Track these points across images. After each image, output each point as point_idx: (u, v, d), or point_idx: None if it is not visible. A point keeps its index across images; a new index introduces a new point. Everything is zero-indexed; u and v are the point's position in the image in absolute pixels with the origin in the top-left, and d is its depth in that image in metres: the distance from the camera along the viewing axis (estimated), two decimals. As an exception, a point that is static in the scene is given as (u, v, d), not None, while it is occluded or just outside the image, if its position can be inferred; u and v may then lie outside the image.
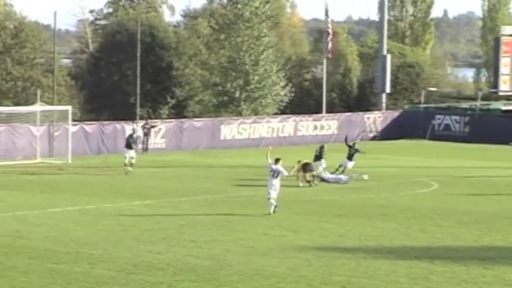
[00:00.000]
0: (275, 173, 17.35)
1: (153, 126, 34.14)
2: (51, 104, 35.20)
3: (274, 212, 16.76)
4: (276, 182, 17.28)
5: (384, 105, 47.34)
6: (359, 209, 18.10)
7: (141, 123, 34.40)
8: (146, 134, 33.79)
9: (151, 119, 39.20)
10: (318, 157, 24.04)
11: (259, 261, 12.18)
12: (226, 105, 44.44)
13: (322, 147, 24.71)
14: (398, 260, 12.33)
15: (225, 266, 11.78)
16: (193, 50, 47.19)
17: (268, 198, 17.17)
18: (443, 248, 13.66)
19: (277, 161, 17.67)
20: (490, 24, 62.64)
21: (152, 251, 12.80)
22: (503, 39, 49.81)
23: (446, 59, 75.99)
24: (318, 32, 56.52)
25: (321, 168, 23.72)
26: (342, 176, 23.98)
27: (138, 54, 35.87)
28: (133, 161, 26.15)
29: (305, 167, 22.48)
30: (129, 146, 27.15)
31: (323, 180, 23.23)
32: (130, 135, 28.02)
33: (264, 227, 15.42)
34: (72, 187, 22.36)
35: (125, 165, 25.57)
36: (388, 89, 48.12)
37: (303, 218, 16.75)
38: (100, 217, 16.51)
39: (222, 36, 43.00)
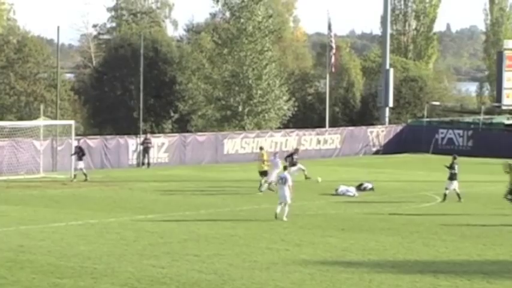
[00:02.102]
0: (283, 180, 18.14)
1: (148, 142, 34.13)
2: (55, 118, 35.27)
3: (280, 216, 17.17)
4: (286, 188, 17.95)
5: (386, 119, 47.32)
6: (362, 223, 18.03)
7: (141, 138, 34.64)
8: (146, 150, 33.84)
9: (152, 133, 39.35)
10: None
11: (262, 275, 12.14)
12: (229, 119, 44.37)
13: None
14: (401, 274, 12.27)
15: (228, 280, 11.74)
16: (196, 64, 47.18)
17: (280, 203, 17.78)
18: (447, 262, 13.58)
19: (285, 168, 19.29)
20: (493, 38, 62.62)
21: (156, 266, 12.76)
22: (506, 53, 49.80)
23: (448, 74, 75.81)
24: (321, 46, 56.56)
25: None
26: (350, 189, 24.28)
27: (141, 68, 35.98)
28: (84, 171, 26.62)
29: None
30: (79, 157, 27.58)
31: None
32: (79, 147, 28.12)
33: (267, 241, 15.37)
34: (75, 202, 22.37)
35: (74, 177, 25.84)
36: (391, 103, 48.10)
37: (307, 231, 16.69)
38: (103, 232, 16.44)
39: (225, 51, 43.04)
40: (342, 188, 24.14)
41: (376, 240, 15.61)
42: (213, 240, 15.55)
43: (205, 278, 11.98)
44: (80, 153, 27.93)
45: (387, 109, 46.75)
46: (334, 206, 21.33)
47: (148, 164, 32.98)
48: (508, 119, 47.95)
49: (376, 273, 12.40)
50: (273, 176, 23.68)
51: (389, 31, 49.72)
